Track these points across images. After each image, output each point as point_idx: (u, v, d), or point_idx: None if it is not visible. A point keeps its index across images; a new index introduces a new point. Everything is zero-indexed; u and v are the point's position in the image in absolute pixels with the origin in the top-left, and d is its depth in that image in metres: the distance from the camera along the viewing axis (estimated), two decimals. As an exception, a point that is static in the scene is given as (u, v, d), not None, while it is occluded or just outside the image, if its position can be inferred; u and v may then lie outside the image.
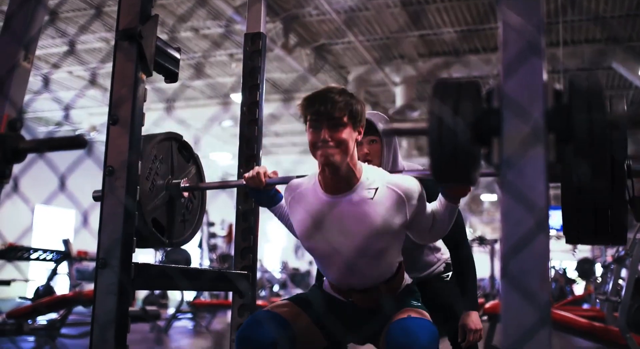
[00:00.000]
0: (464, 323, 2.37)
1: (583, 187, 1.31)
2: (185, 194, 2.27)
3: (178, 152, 2.31)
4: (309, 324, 2.11)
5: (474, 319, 2.38)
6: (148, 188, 2.09)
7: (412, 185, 2.01)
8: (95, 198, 2.03)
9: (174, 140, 2.29)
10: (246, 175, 2.16)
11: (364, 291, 2.12)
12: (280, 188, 2.24)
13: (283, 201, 2.23)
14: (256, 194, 2.20)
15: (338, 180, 2.01)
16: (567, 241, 1.49)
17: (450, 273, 2.54)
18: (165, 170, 2.22)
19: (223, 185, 2.36)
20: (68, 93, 12.54)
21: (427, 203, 2.05)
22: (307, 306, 2.14)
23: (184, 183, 2.25)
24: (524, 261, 0.60)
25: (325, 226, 2.04)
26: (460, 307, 2.42)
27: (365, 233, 2.00)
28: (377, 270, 2.09)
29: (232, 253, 2.50)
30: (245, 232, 2.47)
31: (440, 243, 2.58)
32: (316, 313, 2.13)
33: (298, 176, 2.18)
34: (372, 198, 2.00)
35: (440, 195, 2.05)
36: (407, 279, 2.22)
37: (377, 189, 2.01)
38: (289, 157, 16.90)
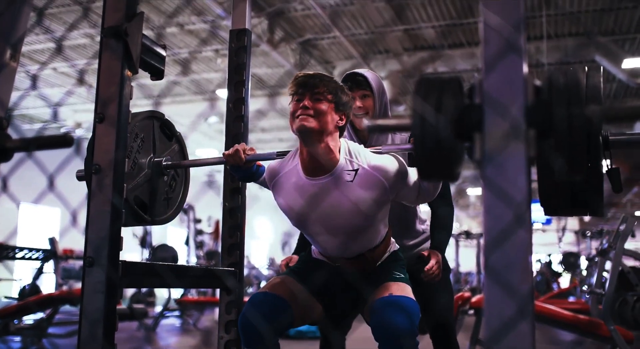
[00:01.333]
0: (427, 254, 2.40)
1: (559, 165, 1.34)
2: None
3: (160, 130, 2.32)
4: (306, 296, 2.19)
5: (437, 255, 2.40)
6: (130, 167, 2.11)
7: (391, 165, 2.04)
8: (79, 178, 2.05)
9: (155, 118, 2.30)
10: (225, 152, 2.20)
11: (350, 258, 2.20)
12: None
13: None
14: (237, 171, 2.23)
15: (316, 162, 2.04)
16: (545, 213, 1.51)
17: None
18: (147, 149, 2.23)
19: (205, 162, 2.38)
20: (53, 90, 12.44)
21: (411, 174, 2.08)
22: (302, 279, 2.22)
23: (166, 162, 2.26)
24: (505, 255, 0.62)
25: (308, 208, 2.08)
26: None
27: (346, 215, 2.04)
28: (363, 243, 2.16)
29: (220, 249, 2.50)
30: (232, 229, 2.48)
31: (426, 216, 2.67)
32: (311, 284, 2.21)
33: (279, 153, 2.22)
34: (351, 181, 2.03)
35: None
36: (394, 245, 2.32)
37: (356, 171, 2.04)
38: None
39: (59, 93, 12.54)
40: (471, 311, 5.37)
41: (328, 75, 2.08)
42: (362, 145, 2.15)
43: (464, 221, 24.90)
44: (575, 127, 0.78)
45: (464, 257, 12.21)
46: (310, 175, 2.08)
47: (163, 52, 1.98)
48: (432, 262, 2.34)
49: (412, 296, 2.11)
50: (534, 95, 0.81)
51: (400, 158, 2.09)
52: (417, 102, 0.85)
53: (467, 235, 10.75)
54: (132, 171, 2.13)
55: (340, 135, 2.12)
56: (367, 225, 2.09)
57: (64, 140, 1.08)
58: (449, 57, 10.05)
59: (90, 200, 1.55)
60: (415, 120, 0.82)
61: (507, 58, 0.72)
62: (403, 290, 2.12)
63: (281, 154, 2.21)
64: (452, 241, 11.09)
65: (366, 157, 2.07)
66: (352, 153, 2.08)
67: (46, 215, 14.49)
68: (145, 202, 2.18)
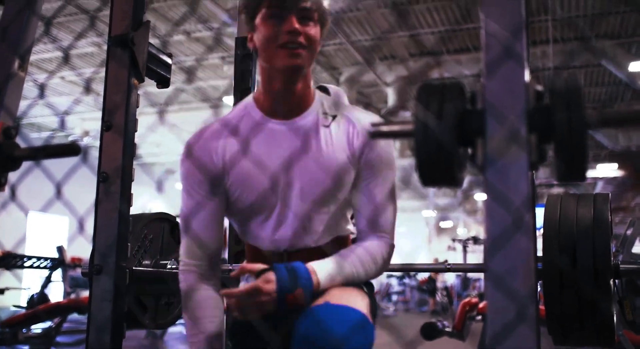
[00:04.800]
0: None
1: (566, 280, 1.31)
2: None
3: (170, 232, 2.32)
4: None
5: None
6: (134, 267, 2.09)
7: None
8: (84, 274, 1.99)
9: (167, 221, 2.31)
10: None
11: (305, 250, 1.58)
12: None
13: None
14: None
15: (289, 98, 1.52)
16: (555, 342, 1.45)
17: None
18: (154, 249, 2.22)
19: None
20: (61, 98, 12.52)
21: (389, 167, 1.55)
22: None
23: (171, 265, 2.21)
24: (505, 259, 0.62)
25: (270, 165, 1.51)
26: None
27: (318, 172, 1.51)
28: (329, 223, 1.58)
29: (227, 257, 2.49)
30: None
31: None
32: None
33: None
34: (327, 126, 1.53)
35: None
36: None
37: (334, 117, 1.55)
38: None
39: (67, 102, 12.62)
40: (479, 317, 5.36)
41: None
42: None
43: (472, 226, 24.86)
44: (575, 130, 0.78)
45: (472, 262, 12.16)
46: (275, 116, 1.54)
47: (169, 60, 2.00)
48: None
49: (361, 307, 1.40)
50: (535, 100, 0.82)
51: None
52: (419, 108, 0.86)
53: (475, 240, 10.73)
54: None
55: None
56: (336, 192, 1.53)
57: (71, 149, 1.10)
58: (455, 62, 10.06)
59: (98, 208, 1.56)
60: (417, 125, 0.83)
61: (507, 65, 0.73)
62: (349, 297, 1.42)
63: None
64: (459, 246, 11.07)
65: (346, 105, 1.61)
66: (327, 97, 1.61)
67: (55, 223, 14.56)
68: (147, 305, 2.14)
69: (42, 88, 11.32)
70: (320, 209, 1.55)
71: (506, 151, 0.75)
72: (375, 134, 0.95)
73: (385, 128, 0.96)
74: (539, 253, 1.43)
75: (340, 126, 1.54)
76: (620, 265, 1.46)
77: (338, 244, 1.60)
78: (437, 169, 0.82)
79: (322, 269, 1.43)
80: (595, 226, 1.36)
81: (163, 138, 14.93)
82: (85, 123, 13.74)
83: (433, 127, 0.82)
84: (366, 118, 1.55)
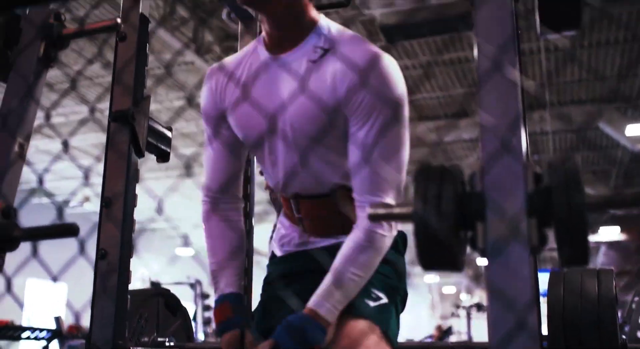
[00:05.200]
0: None
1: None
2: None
3: (165, 307, 2.30)
4: None
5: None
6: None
7: (364, 63, 1.36)
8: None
9: (161, 296, 2.31)
10: None
11: (319, 196, 1.54)
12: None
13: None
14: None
15: (277, 33, 1.45)
16: None
17: None
18: (150, 327, 2.19)
19: (212, 346, 2.28)
20: (62, 164, 12.56)
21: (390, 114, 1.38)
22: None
23: (169, 342, 2.18)
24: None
25: (259, 101, 1.47)
26: None
27: (299, 110, 1.42)
28: (328, 169, 1.50)
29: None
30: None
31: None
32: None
33: None
34: (314, 61, 1.42)
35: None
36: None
37: (326, 51, 1.42)
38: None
39: (69, 168, 12.66)
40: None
41: None
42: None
43: (475, 292, 24.49)
44: (575, 213, 0.78)
45: (475, 330, 11.94)
46: (272, 51, 1.47)
47: (169, 134, 2.01)
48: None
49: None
50: (533, 183, 0.82)
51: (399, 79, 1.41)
52: (417, 191, 0.86)
53: (479, 307, 10.56)
54: None
55: None
56: (316, 135, 1.42)
57: (69, 230, 1.09)
58: (455, 127, 10.15)
59: (96, 285, 1.54)
60: (416, 210, 0.83)
61: (505, 157, 0.73)
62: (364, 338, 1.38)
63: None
64: (463, 313, 10.85)
65: (342, 35, 1.45)
66: (332, 29, 1.46)
67: (54, 290, 14.37)
68: None
69: (40, 180, 11.41)
70: (305, 150, 1.46)
71: (507, 236, 0.74)
72: (373, 217, 0.95)
73: (383, 211, 0.96)
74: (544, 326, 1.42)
75: (329, 62, 1.40)
76: (628, 344, 1.43)
77: (345, 195, 1.48)
78: (437, 254, 0.81)
79: (325, 306, 1.35)
80: (600, 306, 1.34)
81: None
82: (87, 189, 13.74)
83: (432, 210, 0.82)
84: (356, 53, 1.39)
